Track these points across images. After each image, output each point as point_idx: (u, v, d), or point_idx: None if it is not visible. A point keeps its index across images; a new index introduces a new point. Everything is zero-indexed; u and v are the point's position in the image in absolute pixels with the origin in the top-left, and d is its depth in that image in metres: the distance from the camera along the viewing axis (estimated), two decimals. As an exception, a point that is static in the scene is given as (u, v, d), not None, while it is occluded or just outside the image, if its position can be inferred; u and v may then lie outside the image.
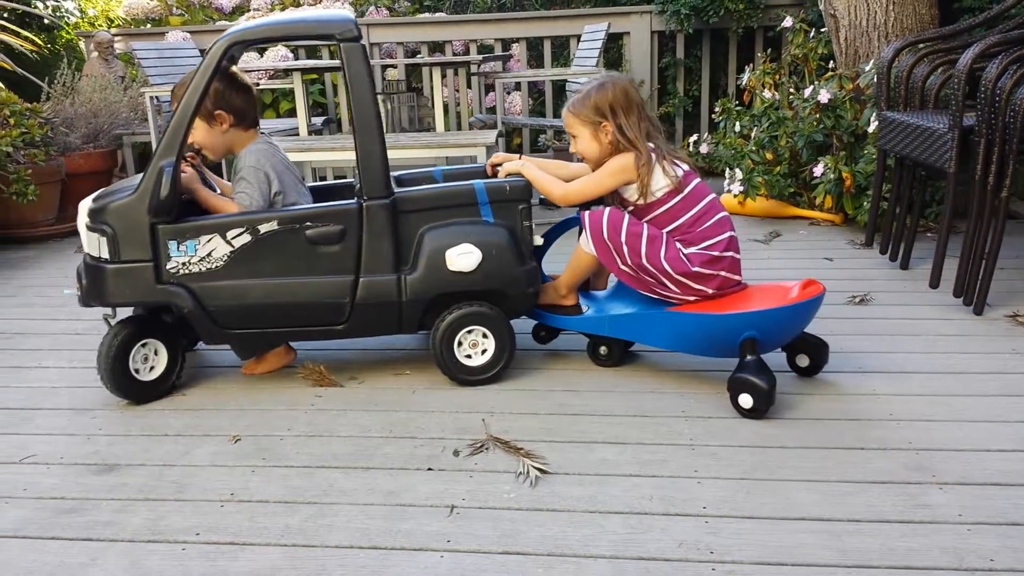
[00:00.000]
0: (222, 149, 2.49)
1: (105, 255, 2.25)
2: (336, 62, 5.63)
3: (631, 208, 2.35)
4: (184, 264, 2.26)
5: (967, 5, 4.32)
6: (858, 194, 3.89)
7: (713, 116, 4.92)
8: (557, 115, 5.37)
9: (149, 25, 7.02)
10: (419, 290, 2.31)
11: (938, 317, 2.77)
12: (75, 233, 4.17)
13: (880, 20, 4.01)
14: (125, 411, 2.29)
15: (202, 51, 5.84)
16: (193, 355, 2.67)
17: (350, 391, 2.37)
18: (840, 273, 3.33)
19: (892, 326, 2.71)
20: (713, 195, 2.35)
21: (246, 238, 2.27)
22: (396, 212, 2.31)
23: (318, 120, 5.36)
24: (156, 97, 4.86)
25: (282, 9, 6.67)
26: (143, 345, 2.32)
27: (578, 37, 5.55)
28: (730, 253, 2.29)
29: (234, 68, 2.49)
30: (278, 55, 6.11)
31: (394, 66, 6.09)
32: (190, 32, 6.10)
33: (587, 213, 2.34)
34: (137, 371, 2.31)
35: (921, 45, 3.38)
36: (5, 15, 6.17)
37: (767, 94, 4.45)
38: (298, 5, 6.65)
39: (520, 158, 2.51)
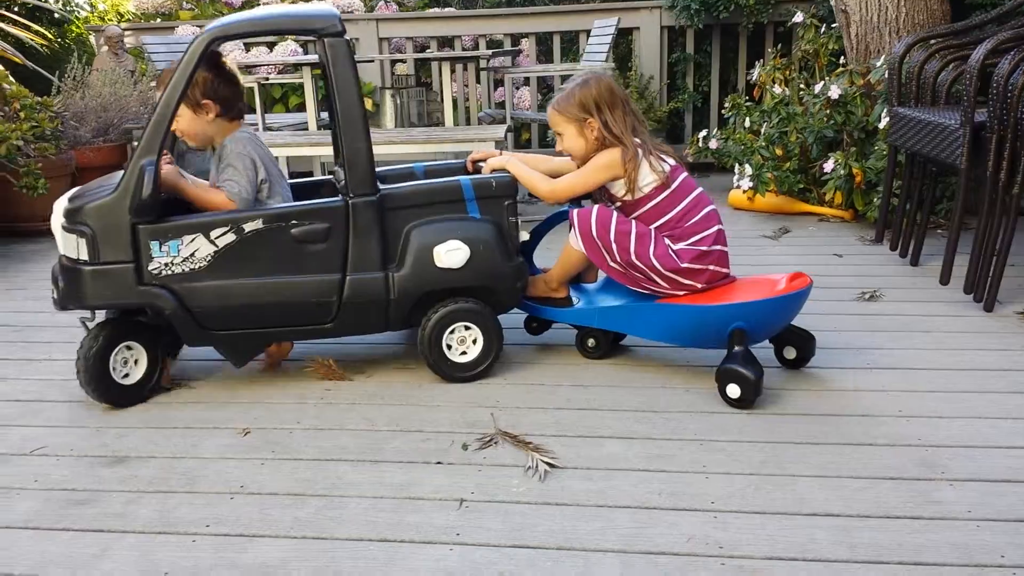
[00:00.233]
0: (205, 138, 2.44)
1: (84, 256, 2.19)
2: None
3: (619, 204, 2.36)
4: (167, 265, 2.20)
5: (978, 1, 4.29)
6: (868, 190, 3.87)
7: (723, 112, 4.91)
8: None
9: (159, 20, 7.03)
10: (407, 288, 2.29)
11: (948, 314, 2.75)
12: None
13: (891, 16, 3.99)
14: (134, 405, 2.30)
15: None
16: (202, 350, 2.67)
17: (358, 385, 2.38)
18: (850, 269, 3.32)
19: (902, 322, 2.70)
20: (700, 189, 2.36)
21: (230, 237, 2.22)
22: (383, 209, 2.29)
23: (327, 115, 5.36)
24: (166, 91, 4.85)
25: (292, 3, 6.67)
26: (125, 348, 2.26)
27: (588, 32, 5.55)
28: (718, 247, 2.30)
29: (223, 59, 2.45)
30: (288, 49, 6.12)
31: (403, 61, 6.09)
32: (200, 26, 6.11)
33: (576, 211, 2.35)
34: (126, 376, 2.26)
35: (932, 41, 3.36)
36: (16, 9, 6.19)
37: (777, 90, 4.44)
38: (307, -1, 6.65)
39: (501, 153, 2.52)
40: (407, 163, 2.82)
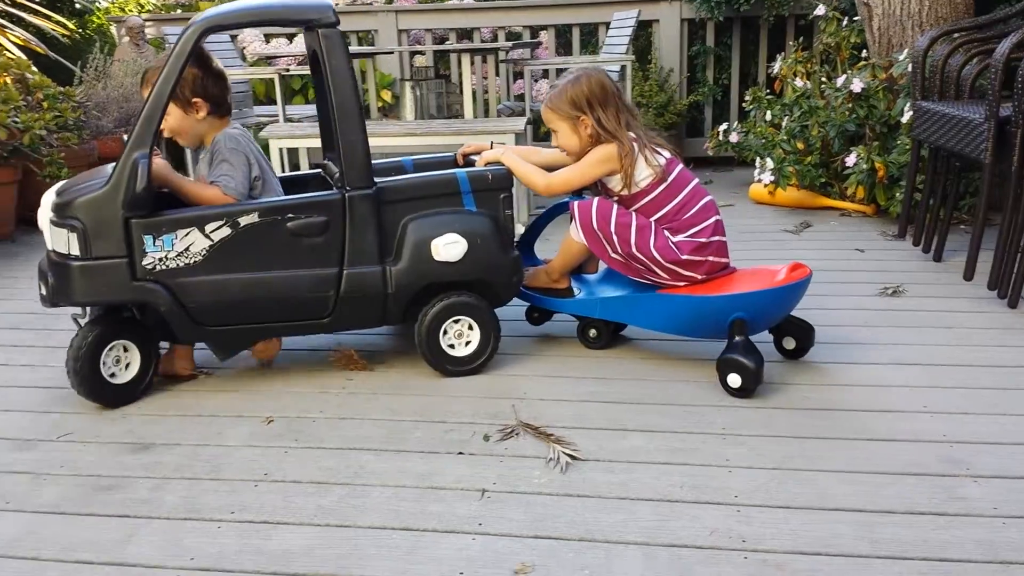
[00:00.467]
0: (195, 137, 2.42)
1: (75, 252, 2.13)
2: (366, 48, 5.65)
3: (616, 199, 2.37)
4: (161, 260, 2.16)
5: (1003, -6, 4.25)
6: (891, 185, 3.85)
7: (743, 105, 4.88)
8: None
9: (180, 10, 7.06)
10: (405, 281, 2.28)
11: (972, 310, 2.74)
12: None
13: (914, 9, 3.95)
14: (159, 392, 2.32)
15: (233, 37, 5.87)
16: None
17: (380, 375, 2.39)
18: (872, 264, 3.30)
19: (925, 318, 2.68)
20: (696, 180, 2.36)
21: (226, 231, 2.19)
22: (380, 202, 2.28)
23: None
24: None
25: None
26: (115, 347, 2.21)
27: (607, 24, 5.52)
28: (717, 237, 2.31)
29: (209, 53, 2.42)
30: (307, 41, 6.12)
31: (423, 53, 6.09)
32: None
33: (576, 203, 2.35)
34: (113, 374, 2.22)
35: (956, 34, 3.34)
36: (37, -1, 6.23)
37: (799, 83, 4.41)
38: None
39: (492, 146, 2.51)
40: (416, 155, 2.81)
